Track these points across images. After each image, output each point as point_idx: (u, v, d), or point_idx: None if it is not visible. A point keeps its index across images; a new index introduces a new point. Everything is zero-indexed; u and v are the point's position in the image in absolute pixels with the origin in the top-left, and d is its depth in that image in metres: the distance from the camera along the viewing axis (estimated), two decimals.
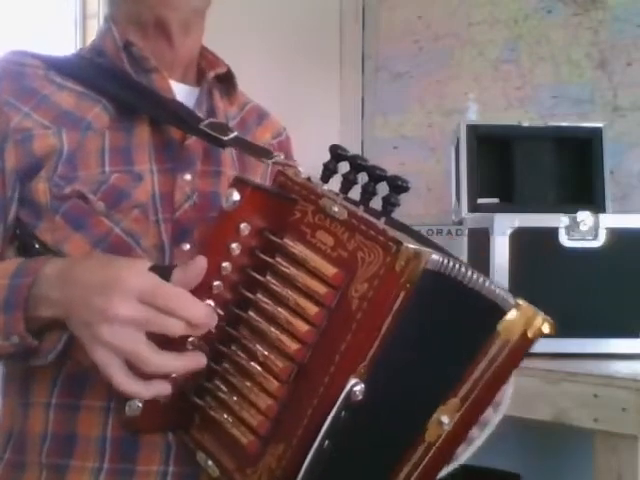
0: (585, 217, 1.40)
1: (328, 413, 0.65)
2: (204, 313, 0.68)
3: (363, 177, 0.71)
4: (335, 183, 0.73)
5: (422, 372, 0.70)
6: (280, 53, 2.10)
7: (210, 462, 0.74)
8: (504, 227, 1.39)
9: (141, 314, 0.66)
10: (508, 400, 0.83)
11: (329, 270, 0.67)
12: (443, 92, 2.12)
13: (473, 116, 1.81)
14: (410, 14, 2.19)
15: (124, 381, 0.67)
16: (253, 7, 2.02)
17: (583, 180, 1.68)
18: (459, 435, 0.73)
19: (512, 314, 0.69)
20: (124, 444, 0.81)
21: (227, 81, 1.00)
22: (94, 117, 0.87)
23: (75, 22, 1.94)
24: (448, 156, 1.80)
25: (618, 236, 1.39)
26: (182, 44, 0.94)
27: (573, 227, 1.40)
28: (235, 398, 0.72)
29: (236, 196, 0.70)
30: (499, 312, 0.70)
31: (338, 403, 0.64)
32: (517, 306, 0.70)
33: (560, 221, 1.41)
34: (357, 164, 0.71)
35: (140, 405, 0.72)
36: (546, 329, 0.70)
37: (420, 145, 2.14)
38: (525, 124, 1.72)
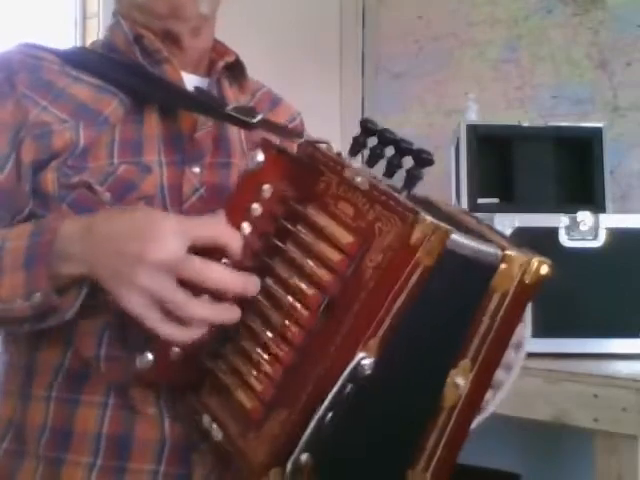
0: (585, 217, 1.40)
1: (332, 384, 0.64)
2: (238, 237, 0.68)
3: (390, 152, 0.71)
4: (364, 159, 0.73)
5: (430, 341, 0.69)
6: (280, 53, 2.10)
7: (215, 425, 0.73)
8: (504, 227, 1.39)
9: (178, 256, 0.65)
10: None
11: (346, 238, 0.66)
12: (443, 92, 2.12)
13: (473, 116, 1.81)
14: (410, 14, 2.19)
15: (160, 324, 0.67)
16: (253, 7, 2.02)
17: (583, 180, 1.68)
18: (478, 393, 0.72)
19: (503, 266, 0.68)
20: (118, 442, 0.82)
21: (236, 69, 1.00)
22: (111, 112, 0.87)
23: (75, 22, 1.94)
24: (448, 156, 1.79)
25: (618, 236, 1.39)
26: (193, 46, 0.95)
27: (573, 227, 1.40)
28: (245, 363, 0.71)
29: (260, 156, 0.69)
30: (488, 269, 0.68)
31: (344, 376, 0.64)
32: (506, 258, 0.68)
33: (560, 221, 1.41)
34: (385, 137, 0.71)
35: (151, 358, 0.72)
36: (544, 270, 0.69)
37: (420, 145, 2.13)
38: (525, 124, 1.72)
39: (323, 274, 0.67)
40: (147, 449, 0.82)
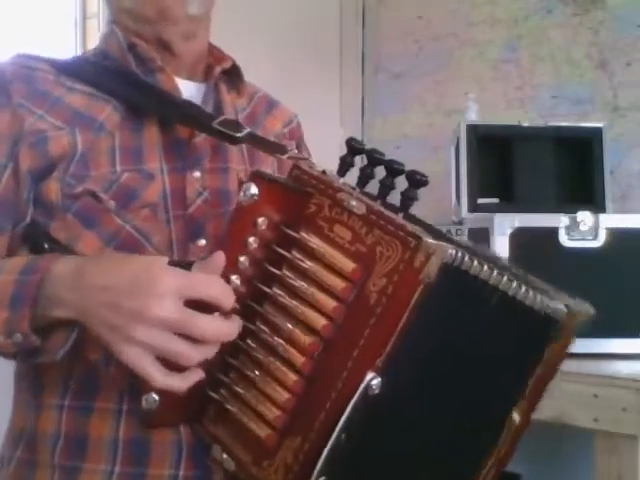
0: (585, 217, 1.40)
1: (344, 408, 0.64)
2: (230, 295, 0.69)
3: (380, 171, 0.71)
4: (352, 177, 0.73)
5: (487, 387, 0.72)
6: (280, 53, 2.09)
7: (225, 455, 0.74)
8: (504, 227, 1.39)
9: (176, 314, 0.66)
10: None
11: (347, 265, 0.67)
12: (443, 92, 2.12)
13: (473, 116, 1.81)
14: (410, 14, 2.19)
15: (161, 378, 0.68)
16: (253, 7, 2.02)
17: (583, 180, 1.68)
18: (524, 424, 0.77)
19: (565, 322, 0.72)
20: (135, 447, 0.82)
21: (234, 74, 1.00)
22: (106, 118, 0.88)
23: (75, 22, 1.94)
24: (448, 156, 1.79)
25: (618, 236, 1.39)
26: (186, 51, 0.95)
27: (573, 227, 1.40)
28: (251, 391, 0.71)
29: (254, 190, 0.69)
30: (549, 325, 0.72)
31: (355, 397, 0.64)
32: (567, 311, 0.71)
33: (560, 221, 1.41)
34: (374, 158, 0.71)
35: (157, 398, 0.72)
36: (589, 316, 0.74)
37: (420, 145, 2.14)
38: (525, 124, 1.72)
39: (327, 301, 0.68)
40: (165, 454, 0.82)
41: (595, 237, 1.40)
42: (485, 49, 2.06)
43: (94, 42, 1.99)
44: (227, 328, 0.69)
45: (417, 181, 0.68)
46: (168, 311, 0.66)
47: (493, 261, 0.71)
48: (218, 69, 0.97)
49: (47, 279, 0.72)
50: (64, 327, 0.74)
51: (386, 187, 0.69)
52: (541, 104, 1.96)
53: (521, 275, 0.74)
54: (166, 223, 0.85)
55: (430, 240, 0.63)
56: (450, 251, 0.64)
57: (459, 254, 0.65)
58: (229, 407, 0.73)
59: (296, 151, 0.85)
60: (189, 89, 0.94)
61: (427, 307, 0.65)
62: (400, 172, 0.69)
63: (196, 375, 0.69)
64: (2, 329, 0.73)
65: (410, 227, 0.64)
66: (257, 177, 0.70)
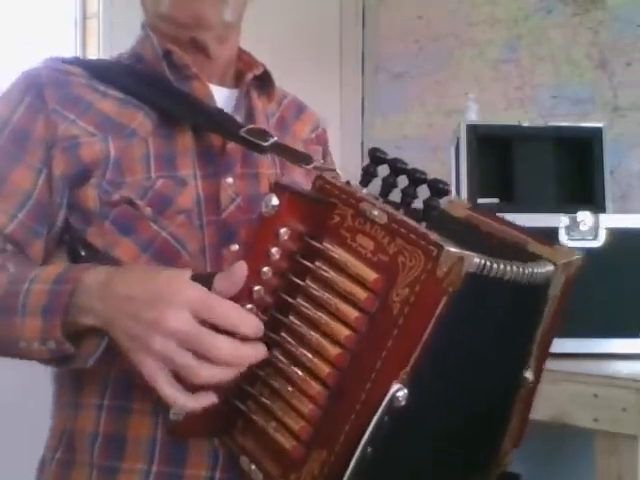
0: (585, 217, 1.40)
1: (371, 419, 0.64)
2: (254, 326, 0.68)
3: (402, 180, 0.71)
4: (375, 187, 0.73)
5: (495, 357, 0.73)
6: (280, 53, 2.09)
7: (253, 466, 0.74)
8: None
9: (193, 328, 0.66)
10: None
11: (370, 275, 0.66)
12: (443, 92, 2.12)
13: (473, 116, 1.81)
14: (410, 14, 2.19)
15: (171, 393, 0.68)
16: (253, 7, 2.02)
17: (583, 180, 1.68)
18: (537, 379, 0.81)
19: (555, 276, 0.74)
20: (173, 448, 0.83)
21: (265, 79, 1.01)
22: (138, 124, 0.89)
23: (75, 22, 1.94)
24: (448, 156, 1.79)
25: (618, 236, 1.39)
26: (220, 54, 0.96)
27: (573, 227, 1.40)
28: (277, 403, 0.72)
29: (275, 201, 0.69)
30: (545, 287, 0.73)
31: (380, 409, 0.64)
32: (556, 268, 0.74)
33: (560, 221, 1.40)
34: (396, 167, 0.72)
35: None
36: (581, 261, 0.79)
37: (420, 145, 2.14)
38: (525, 124, 1.72)
39: (350, 312, 0.67)
40: (202, 455, 0.83)
41: (595, 237, 1.40)
42: (485, 49, 2.06)
43: (94, 42, 2.00)
44: (245, 352, 0.68)
45: (439, 190, 0.69)
46: (184, 323, 0.66)
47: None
48: (250, 75, 0.98)
49: (78, 289, 0.74)
50: (94, 335, 0.75)
51: (408, 196, 0.70)
52: (541, 104, 1.96)
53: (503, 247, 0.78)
54: (199, 229, 0.86)
55: (453, 249, 0.62)
56: (476, 260, 0.64)
57: (485, 262, 0.64)
58: (255, 418, 0.73)
59: (322, 161, 0.86)
60: (222, 95, 0.95)
61: (451, 315, 0.64)
62: (422, 181, 0.70)
63: (208, 398, 0.69)
64: (37, 336, 0.75)
65: (432, 236, 0.63)
66: (278, 188, 0.70)
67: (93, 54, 1.94)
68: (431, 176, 0.71)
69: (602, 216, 1.41)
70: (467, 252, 0.63)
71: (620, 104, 1.85)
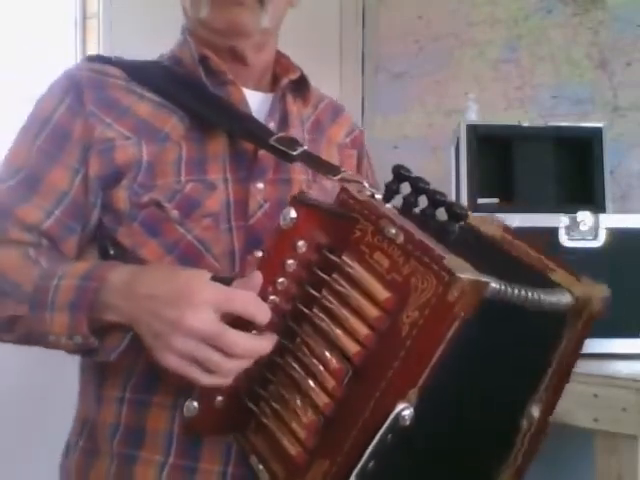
0: (585, 217, 1.40)
1: (372, 436, 0.65)
2: (268, 315, 0.71)
3: (423, 198, 0.72)
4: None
5: (500, 385, 0.72)
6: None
7: (261, 467, 0.75)
8: None
9: (211, 327, 0.69)
10: None
11: (382, 293, 0.67)
12: (443, 92, 2.12)
13: (473, 116, 1.81)
14: (410, 14, 2.19)
15: (204, 378, 0.71)
16: None
17: (583, 180, 1.68)
18: (547, 418, 0.78)
19: (573, 309, 0.72)
20: (189, 442, 0.85)
21: (301, 83, 1.03)
22: (171, 128, 0.91)
23: (75, 22, 1.94)
24: (448, 156, 1.79)
25: (618, 236, 1.39)
26: (257, 62, 0.97)
27: (573, 227, 1.40)
28: (286, 408, 0.73)
29: (293, 214, 0.70)
30: (562, 317, 0.72)
31: (384, 427, 0.64)
32: (576, 301, 0.72)
33: (560, 221, 1.40)
34: (417, 187, 0.72)
35: (196, 406, 0.75)
36: (606, 297, 0.75)
37: (420, 145, 2.14)
38: (525, 124, 1.72)
39: (360, 328, 0.68)
40: (216, 450, 0.85)
41: (595, 237, 1.40)
42: (485, 49, 2.06)
43: (94, 42, 2.00)
44: (259, 345, 0.71)
45: (456, 215, 0.69)
46: (202, 322, 0.69)
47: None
48: (285, 80, 0.99)
49: (103, 287, 0.77)
50: (118, 330, 0.78)
51: (426, 216, 0.70)
52: (541, 104, 1.96)
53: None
54: (227, 233, 0.88)
55: (465, 275, 0.61)
56: (493, 285, 0.63)
57: (501, 287, 0.64)
58: (266, 422, 0.75)
59: (350, 172, 0.86)
60: (257, 100, 0.97)
61: (462, 339, 0.64)
62: (441, 203, 0.70)
63: (230, 378, 0.72)
64: (64, 331, 0.78)
65: (447, 261, 0.62)
66: (296, 202, 0.71)
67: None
68: (449, 199, 0.71)
69: (602, 216, 1.41)
70: (483, 278, 0.63)
71: (620, 104, 1.85)
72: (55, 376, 1.56)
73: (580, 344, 0.76)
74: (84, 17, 1.94)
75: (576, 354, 0.76)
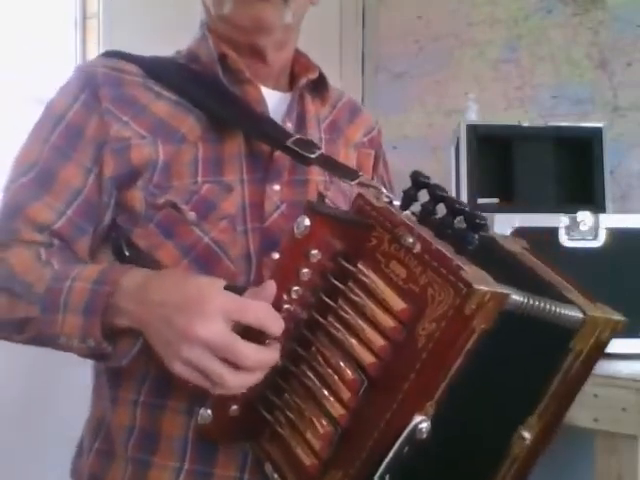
0: (585, 217, 1.40)
1: (388, 448, 0.64)
2: (281, 326, 0.70)
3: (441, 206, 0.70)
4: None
5: (497, 400, 0.70)
6: None
7: (276, 475, 0.75)
8: (504, 227, 1.38)
9: (220, 338, 0.68)
10: None
11: (398, 304, 0.65)
12: (443, 92, 2.12)
13: (473, 116, 1.81)
14: (410, 14, 2.19)
15: (213, 388, 0.70)
16: None
17: (583, 180, 1.68)
18: (541, 445, 0.75)
19: (583, 328, 0.70)
20: (204, 447, 0.84)
21: (319, 83, 1.02)
22: (188, 129, 0.89)
23: (75, 22, 1.94)
24: (448, 156, 1.79)
25: (618, 236, 1.39)
26: (276, 59, 0.96)
27: (573, 227, 1.40)
28: (301, 417, 0.72)
29: (307, 222, 0.69)
30: (570, 332, 0.70)
31: (401, 439, 0.64)
32: (587, 320, 0.70)
33: (560, 221, 1.40)
34: (436, 194, 0.70)
35: (210, 414, 0.74)
36: (621, 327, 0.72)
37: (420, 145, 2.14)
38: (525, 124, 1.72)
39: (376, 339, 0.67)
40: (232, 456, 0.84)
41: (595, 237, 1.40)
42: (485, 49, 2.06)
43: (94, 42, 1.99)
44: (269, 357, 0.70)
45: (475, 225, 0.67)
46: (211, 332, 0.68)
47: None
48: (304, 80, 0.98)
49: (116, 291, 0.76)
50: (130, 335, 0.77)
51: (445, 225, 0.69)
52: (541, 104, 1.96)
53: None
54: (243, 235, 0.86)
55: (483, 287, 0.60)
56: (514, 297, 0.62)
57: (523, 299, 0.63)
58: (280, 430, 0.74)
59: (367, 177, 0.85)
60: (274, 99, 0.95)
61: (480, 351, 0.63)
62: (460, 212, 0.68)
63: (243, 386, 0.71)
64: (77, 334, 0.77)
65: (464, 272, 0.61)
66: (309, 210, 0.70)
67: (93, 54, 1.93)
68: (469, 207, 0.69)
69: (602, 216, 1.41)
70: (503, 289, 0.61)
71: (620, 104, 1.85)
72: (55, 376, 1.56)
73: (587, 368, 0.74)
74: (84, 17, 1.94)
75: (581, 379, 0.74)
